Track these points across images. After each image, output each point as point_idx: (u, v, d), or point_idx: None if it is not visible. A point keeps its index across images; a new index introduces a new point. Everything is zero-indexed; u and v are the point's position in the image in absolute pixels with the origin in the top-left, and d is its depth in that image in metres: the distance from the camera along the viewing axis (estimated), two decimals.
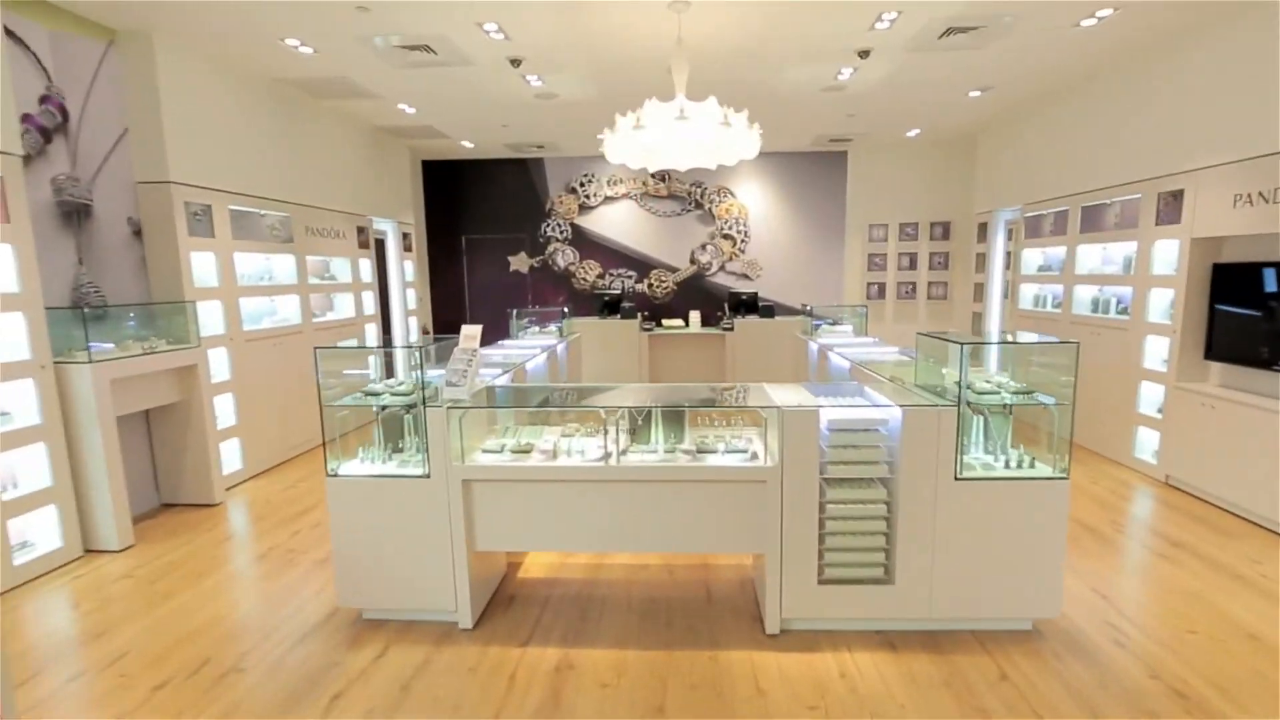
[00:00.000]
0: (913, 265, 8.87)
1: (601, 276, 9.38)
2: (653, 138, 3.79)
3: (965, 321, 8.40)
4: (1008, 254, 7.39)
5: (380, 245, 7.72)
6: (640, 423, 3.02)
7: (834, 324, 6.12)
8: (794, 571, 2.76)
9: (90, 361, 3.60)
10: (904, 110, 6.74)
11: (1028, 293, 6.61)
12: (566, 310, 6.24)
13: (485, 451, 3.02)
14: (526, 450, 2.99)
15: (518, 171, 9.20)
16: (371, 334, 7.14)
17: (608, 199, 9.20)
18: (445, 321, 9.64)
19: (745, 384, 3.32)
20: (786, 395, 3.01)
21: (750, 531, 2.80)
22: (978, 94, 6.11)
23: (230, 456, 4.86)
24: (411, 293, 8.29)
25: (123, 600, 3.19)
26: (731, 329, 7.72)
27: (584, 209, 9.25)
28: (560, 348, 5.34)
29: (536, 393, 3.67)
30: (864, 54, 5.10)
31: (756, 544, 2.82)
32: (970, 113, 6.91)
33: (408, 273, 8.18)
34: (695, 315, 8.22)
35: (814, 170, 8.86)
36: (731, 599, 3.12)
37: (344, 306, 6.63)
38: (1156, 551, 3.57)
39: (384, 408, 2.96)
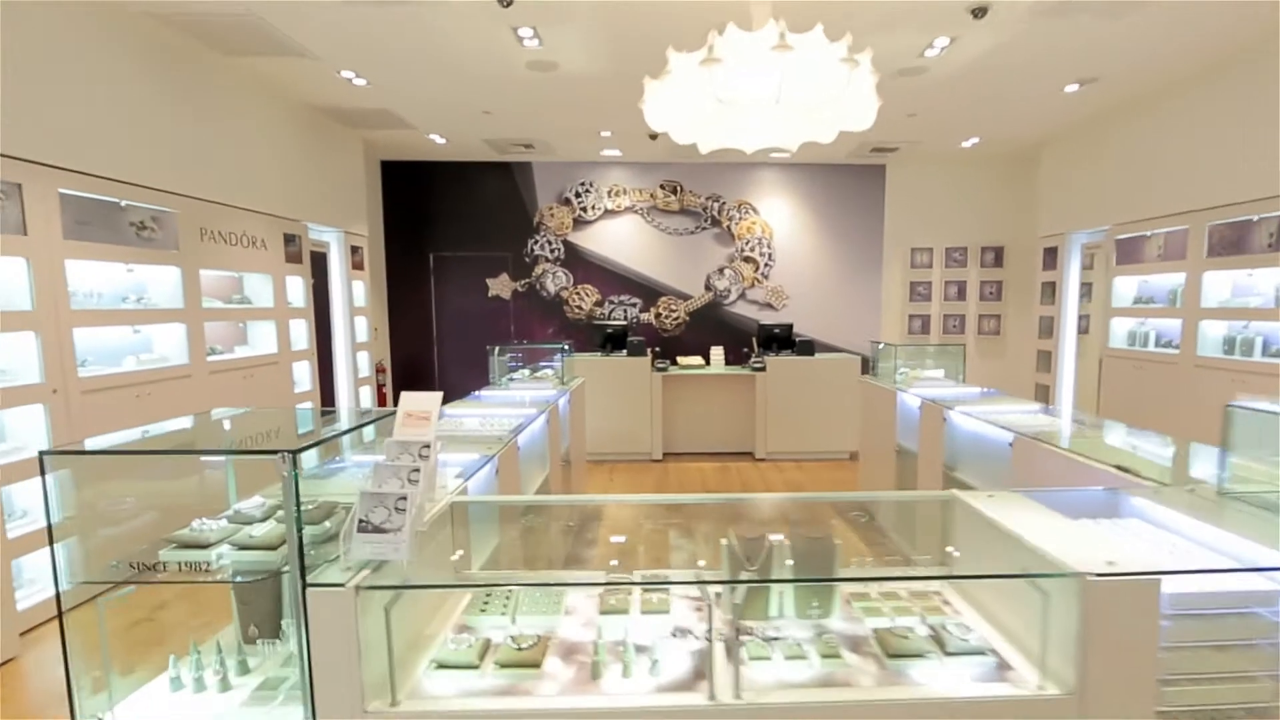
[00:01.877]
0: (961, 295, 7.55)
1: (600, 304, 7.84)
2: (723, 88, 2.30)
3: (1027, 361, 7.05)
4: (1086, 283, 6.25)
5: (320, 260, 6.06)
6: (747, 563, 1.51)
7: (914, 369, 4.64)
8: None
9: None
10: (975, 109, 5.50)
11: (1119, 328, 5.61)
12: (567, 347, 4.64)
13: (443, 667, 1.41)
14: (531, 662, 1.39)
15: (500, 177, 7.66)
16: (303, 374, 5.43)
17: (608, 212, 7.71)
18: (406, 359, 7.93)
19: (908, 493, 2.00)
20: (1016, 517, 1.59)
21: None
22: (1075, 88, 4.91)
23: (39, 576, 3.10)
24: (362, 321, 6.60)
25: None
26: (763, 368, 6.21)
27: (580, 224, 7.73)
28: (562, 402, 3.72)
29: (540, 518, 2.06)
30: (980, 12, 3.80)
31: None
32: (1044, 118, 5.75)
33: (357, 296, 6.51)
34: (717, 351, 6.69)
35: (849, 185, 7.53)
36: None
37: (262, 339, 4.93)
38: None
39: (235, 576, 1.41)
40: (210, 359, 4.30)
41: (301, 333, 5.38)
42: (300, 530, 1.27)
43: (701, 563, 1.64)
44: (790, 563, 1.53)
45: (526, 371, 4.60)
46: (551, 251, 7.79)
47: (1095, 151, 5.96)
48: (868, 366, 7.25)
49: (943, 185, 7.56)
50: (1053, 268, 6.59)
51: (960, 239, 7.63)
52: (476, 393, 3.87)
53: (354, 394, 6.41)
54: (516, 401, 3.49)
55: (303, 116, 5.55)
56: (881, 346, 4.79)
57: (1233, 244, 4.45)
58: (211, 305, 4.40)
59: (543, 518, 2.16)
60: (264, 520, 1.55)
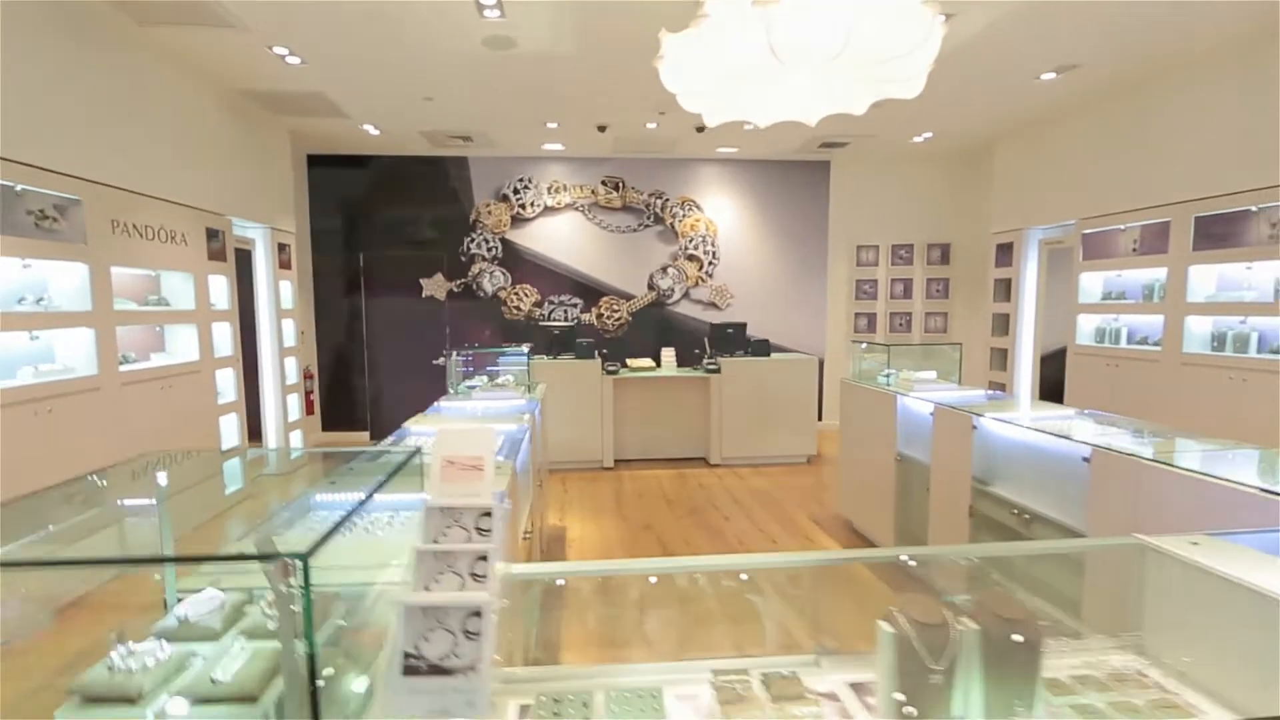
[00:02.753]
0: (907, 293, 7.93)
1: (539, 305, 7.65)
2: (783, 34, 2.09)
3: (978, 359, 7.23)
4: (1056, 280, 6.23)
5: (245, 258, 5.53)
6: (930, 659, 1.09)
7: (902, 370, 4.50)
8: None
9: None
10: (941, 99, 5.41)
11: (1086, 325, 5.56)
12: (529, 350, 4.46)
13: None
14: None
15: (435, 173, 7.31)
16: (227, 383, 4.93)
17: (548, 209, 7.54)
18: (335, 364, 7.41)
19: (1061, 542, 1.82)
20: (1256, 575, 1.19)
21: None
22: (1051, 76, 4.85)
23: None
24: (290, 324, 6.09)
25: None
26: (717, 370, 6.27)
27: (518, 221, 7.52)
28: (536, 413, 3.55)
29: (585, 587, 1.65)
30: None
31: None
32: (1010, 108, 5.76)
33: (285, 297, 6.00)
34: (669, 353, 6.69)
35: (793, 182, 7.74)
36: None
37: (182, 345, 4.43)
38: None
39: None
40: (123, 368, 3.80)
41: (225, 337, 4.88)
42: (315, 683, 0.79)
43: (826, 646, 1.35)
44: (977, 654, 1.13)
45: (484, 378, 4.39)
46: (489, 250, 7.53)
47: (1058, 145, 5.91)
48: (824, 367, 7.36)
49: (888, 182, 7.76)
50: (1008, 264, 6.68)
51: (906, 236, 7.85)
52: (437, 405, 3.62)
53: (282, 403, 5.91)
54: (488, 414, 3.31)
55: (228, 101, 5.04)
56: (865, 346, 4.68)
57: (1220, 237, 4.37)
58: (125, 307, 3.89)
59: (586, 585, 1.68)
60: (225, 633, 1.04)
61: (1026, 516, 2.92)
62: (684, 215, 7.68)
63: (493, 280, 7.57)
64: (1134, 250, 5.10)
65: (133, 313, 3.99)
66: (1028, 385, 6.58)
